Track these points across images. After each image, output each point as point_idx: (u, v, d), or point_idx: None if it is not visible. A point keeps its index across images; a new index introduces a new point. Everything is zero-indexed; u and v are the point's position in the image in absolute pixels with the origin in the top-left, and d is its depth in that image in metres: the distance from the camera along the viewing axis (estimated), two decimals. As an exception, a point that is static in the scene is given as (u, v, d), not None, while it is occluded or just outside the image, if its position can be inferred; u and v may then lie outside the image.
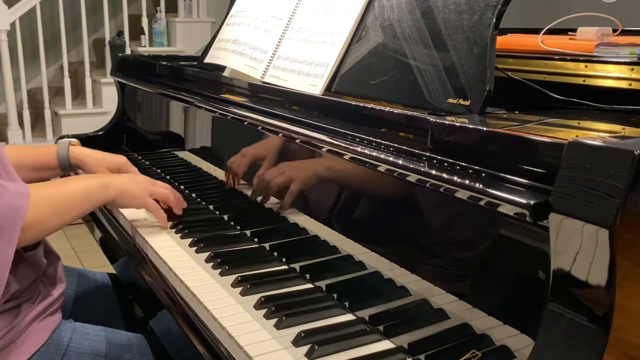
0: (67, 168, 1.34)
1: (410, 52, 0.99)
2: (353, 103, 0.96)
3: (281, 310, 0.87)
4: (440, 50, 0.94)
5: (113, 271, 1.41)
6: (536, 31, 1.16)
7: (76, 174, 1.43)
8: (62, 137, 1.82)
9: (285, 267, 1.04)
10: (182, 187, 1.49)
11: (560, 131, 0.78)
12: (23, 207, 0.93)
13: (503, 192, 0.62)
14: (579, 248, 0.55)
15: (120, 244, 1.28)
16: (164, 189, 1.22)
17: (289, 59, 1.22)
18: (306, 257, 1.02)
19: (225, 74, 1.45)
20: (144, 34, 4.44)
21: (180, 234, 1.18)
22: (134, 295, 1.34)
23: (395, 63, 1.01)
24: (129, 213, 1.31)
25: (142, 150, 1.82)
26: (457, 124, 0.72)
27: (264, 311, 0.88)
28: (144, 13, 4.40)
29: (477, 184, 0.64)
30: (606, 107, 0.93)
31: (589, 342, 0.54)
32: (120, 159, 1.35)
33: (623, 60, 0.96)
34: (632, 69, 0.94)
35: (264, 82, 1.26)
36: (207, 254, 1.08)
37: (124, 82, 1.88)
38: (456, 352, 0.72)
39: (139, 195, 1.16)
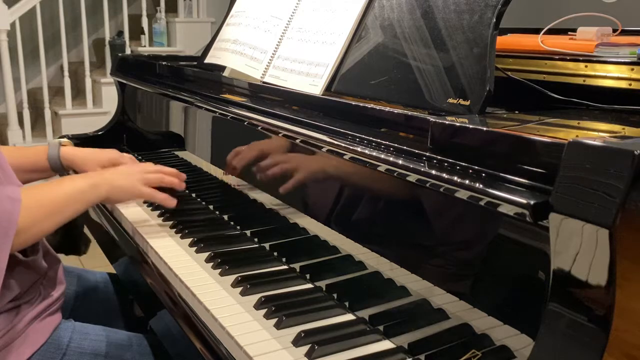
0: (59, 169, 1.32)
1: (410, 52, 0.99)
2: (353, 103, 0.96)
3: (281, 310, 0.87)
4: (440, 50, 0.94)
5: (113, 271, 1.41)
6: (536, 31, 1.16)
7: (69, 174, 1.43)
8: (62, 137, 1.82)
9: (285, 267, 1.04)
10: (182, 187, 1.49)
11: (560, 131, 0.78)
12: (15, 213, 0.93)
13: (503, 192, 0.62)
14: (579, 248, 0.55)
15: (120, 244, 1.28)
16: (155, 174, 1.20)
17: (289, 59, 1.22)
18: (306, 257, 1.02)
19: (225, 74, 1.45)
20: (144, 34, 4.44)
21: (180, 234, 1.18)
22: (134, 295, 1.34)
23: (395, 63, 1.01)
24: (129, 213, 1.31)
25: (142, 150, 1.82)
26: (457, 124, 0.72)
27: (264, 311, 0.88)
28: (144, 13, 4.41)
29: (477, 184, 0.64)
30: (606, 107, 0.93)
31: (589, 342, 0.54)
32: (112, 154, 1.34)
33: (623, 60, 0.96)
34: (632, 69, 0.94)
35: (264, 82, 1.25)
36: (207, 254, 1.08)
37: (124, 82, 1.88)
38: (456, 352, 0.71)
39: (130, 188, 1.16)
